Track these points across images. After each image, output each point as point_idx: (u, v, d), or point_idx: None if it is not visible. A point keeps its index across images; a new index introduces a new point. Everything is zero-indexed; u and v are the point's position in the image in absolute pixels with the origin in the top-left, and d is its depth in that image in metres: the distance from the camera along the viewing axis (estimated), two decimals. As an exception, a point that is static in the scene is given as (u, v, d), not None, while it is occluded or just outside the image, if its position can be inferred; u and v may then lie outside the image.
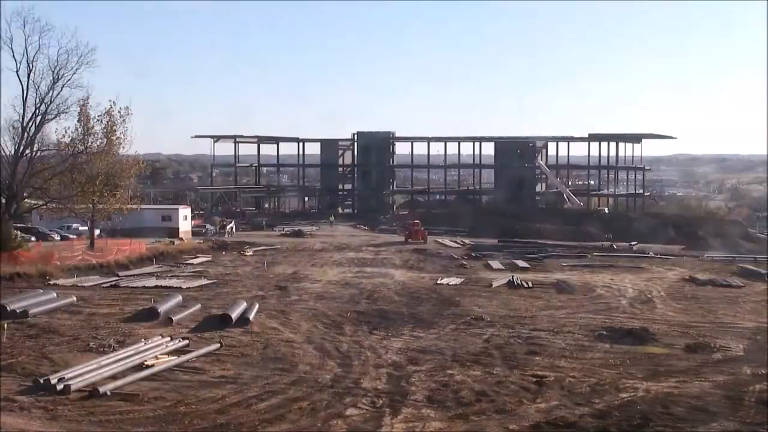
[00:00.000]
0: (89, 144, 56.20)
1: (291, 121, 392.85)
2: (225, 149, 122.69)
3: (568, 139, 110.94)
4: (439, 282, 48.73)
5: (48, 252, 52.78)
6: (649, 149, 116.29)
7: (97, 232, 62.02)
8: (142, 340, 30.17)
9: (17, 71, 52.16)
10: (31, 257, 50.36)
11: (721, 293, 47.07)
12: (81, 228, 69.39)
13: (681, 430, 22.15)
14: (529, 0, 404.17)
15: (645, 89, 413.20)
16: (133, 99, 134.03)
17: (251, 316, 34.88)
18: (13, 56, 52.56)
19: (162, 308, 35.62)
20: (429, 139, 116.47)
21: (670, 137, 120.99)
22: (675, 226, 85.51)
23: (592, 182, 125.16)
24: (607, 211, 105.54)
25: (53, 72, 52.17)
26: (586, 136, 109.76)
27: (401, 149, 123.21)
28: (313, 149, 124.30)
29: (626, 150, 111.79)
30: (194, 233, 76.75)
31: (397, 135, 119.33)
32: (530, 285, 47.93)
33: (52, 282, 44.98)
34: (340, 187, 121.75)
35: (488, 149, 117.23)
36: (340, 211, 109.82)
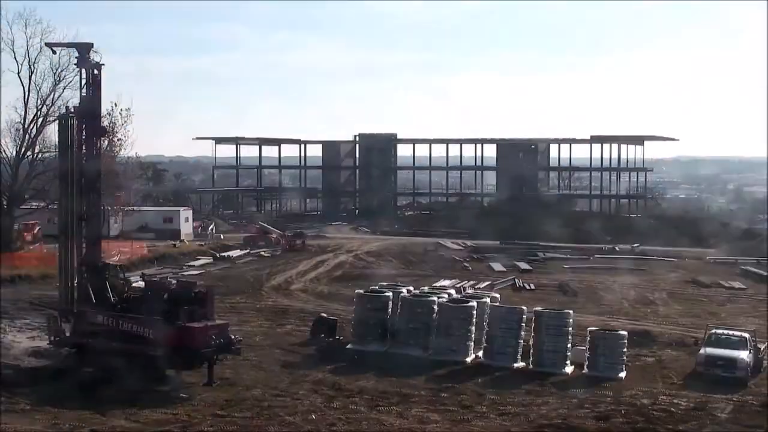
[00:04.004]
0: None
1: (292, 123, 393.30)
2: (226, 151, 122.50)
3: (570, 141, 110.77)
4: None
5: (49, 254, 52.63)
6: (651, 151, 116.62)
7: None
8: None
9: (18, 73, 52.15)
10: (32, 259, 50.29)
11: (723, 295, 46.97)
12: None
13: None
14: (533, 0, 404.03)
15: (647, 91, 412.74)
16: (135, 100, 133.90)
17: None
18: (15, 58, 52.50)
19: None
20: (431, 141, 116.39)
21: (672, 139, 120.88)
22: (677, 227, 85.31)
23: (594, 184, 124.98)
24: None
25: (54, 73, 52.11)
26: (588, 137, 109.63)
27: (403, 151, 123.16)
28: (315, 151, 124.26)
29: (628, 152, 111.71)
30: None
31: (399, 137, 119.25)
32: (532, 287, 47.86)
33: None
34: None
35: (490, 151, 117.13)
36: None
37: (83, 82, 28.59)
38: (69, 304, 28.13)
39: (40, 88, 52.40)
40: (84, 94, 28.56)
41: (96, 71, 28.47)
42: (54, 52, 36.28)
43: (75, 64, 29.51)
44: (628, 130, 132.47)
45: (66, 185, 28.67)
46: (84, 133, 28.59)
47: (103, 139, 32.60)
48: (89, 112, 28.63)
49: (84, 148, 28.59)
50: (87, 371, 26.02)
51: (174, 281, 29.55)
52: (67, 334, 27.75)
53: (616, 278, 52.82)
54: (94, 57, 28.67)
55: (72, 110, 29.07)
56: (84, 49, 28.70)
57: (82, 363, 26.76)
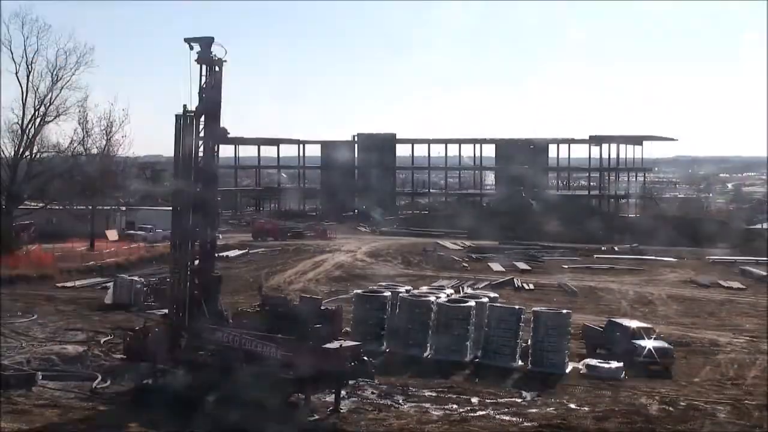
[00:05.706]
0: (89, 146, 56.35)
1: (291, 123, 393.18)
2: (225, 151, 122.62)
3: (569, 141, 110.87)
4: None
5: (48, 254, 52.60)
6: (650, 151, 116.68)
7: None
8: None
9: (17, 73, 52.19)
10: (32, 259, 50.23)
11: (722, 295, 46.99)
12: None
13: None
14: (531, 0, 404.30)
15: (646, 92, 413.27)
16: (133, 100, 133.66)
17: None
18: (12, 58, 52.50)
19: None
20: (430, 141, 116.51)
21: (671, 139, 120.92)
22: (676, 227, 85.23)
23: (592, 183, 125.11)
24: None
25: (52, 73, 52.12)
26: (587, 138, 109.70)
27: (402, 151, 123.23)
28: (314, 151, 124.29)
29: (627, 152, 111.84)
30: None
31: (398, 137, 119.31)
32: (532, 287, 47.85)
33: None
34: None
35: (489, 151, 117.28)
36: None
37: (203, 79, 25.19)
38: (181, 318, 25.14)
39: (37, 89, 52.50)
40: (204, 93, 25.25)
41: (217, 68, 25.09)
42: (191, 48, 29.57)
43: (195, 60, 25.33)
44: (627, 130, 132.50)
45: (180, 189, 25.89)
46: (202, 133, 25.44)
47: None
48: (209, 112, 25.46)
49: (202, 149, 25.51)
50: (204, 393, 23.46)
51: (296, 298, 27.43)
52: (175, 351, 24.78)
53: (615, 278, 52.87)
54: (216, 52, 25.12)
55: (191, 111, 25.50)
56: (205, 44, 25.25)
57: (196, 382, 23.87)
